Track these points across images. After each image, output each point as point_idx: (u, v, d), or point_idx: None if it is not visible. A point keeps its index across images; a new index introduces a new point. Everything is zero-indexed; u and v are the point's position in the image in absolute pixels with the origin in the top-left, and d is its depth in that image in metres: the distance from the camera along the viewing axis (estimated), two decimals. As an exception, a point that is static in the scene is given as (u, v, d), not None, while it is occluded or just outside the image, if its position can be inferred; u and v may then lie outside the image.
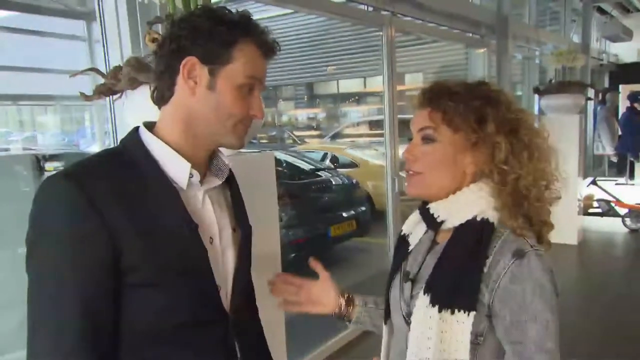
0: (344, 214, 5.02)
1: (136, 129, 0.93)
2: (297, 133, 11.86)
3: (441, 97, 0.97)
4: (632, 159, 8.12)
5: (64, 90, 3.59)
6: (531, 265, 0.88)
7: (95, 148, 4.15)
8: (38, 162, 3.30)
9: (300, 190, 4.94)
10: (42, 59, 3.36)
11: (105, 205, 0.80)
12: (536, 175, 0.94)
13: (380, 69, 3.63)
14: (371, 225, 5.28)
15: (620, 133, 8.10)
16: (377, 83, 10.88)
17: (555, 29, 7.83)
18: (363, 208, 5.29)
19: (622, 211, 5.94)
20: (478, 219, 0.94)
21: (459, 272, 0.90)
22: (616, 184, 7.93)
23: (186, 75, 0.87)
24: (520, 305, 0.87)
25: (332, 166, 6.45)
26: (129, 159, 0.88)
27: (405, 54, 8.77)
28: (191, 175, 0.89)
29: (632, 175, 8.36)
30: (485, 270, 0.89)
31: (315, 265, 1.21)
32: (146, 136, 0.91)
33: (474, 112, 0.94)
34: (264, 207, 1.65)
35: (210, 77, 0.87)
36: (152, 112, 1.17)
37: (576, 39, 7.65)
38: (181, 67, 0.86)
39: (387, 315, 1.08)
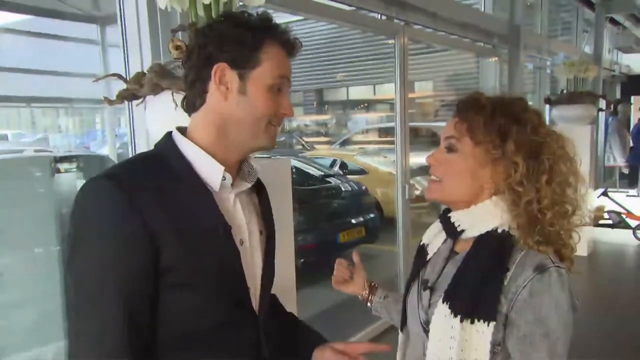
0: (353, 221, 5.04)
1: (169, 133, 0.96)
2: (306, 139, 11.89)
3: (469, 109, 1.00)
4: (643, 171, 8.06)
5: (75, 93, 3.65)
6: (551, 281, 0.90)
7: (105, 150, 4.20)
8: (52, 163, 3.35)
9: (310, 196, 4.97)
10: (54, 61, 3.41)
11: (146, 207, 0.82)
12: (554, 199, 0.94)
13: (391, 77, 3.66)
14: (380, 232, 5.29)
15: (632, 144, 8.06)
16: (386, 90, 10.92)
17: (567, 39, 7.83)
18: (372, 215, 5.30)
19: (633, 223, 5.91)
20: (499, 230, 0.96)
21: (479, 283, 0.92)
22: (627, 195, 7.88)
23: (218, 82, 0.90)
24: (536, 318, 0.89)
25: (341, 173, 6.47)
26: (164, 162, 0.91)
27: (416, 61, 8.80)
28: (224, 178, 0.92)
29: (642, 187, 8.31)
30: (506, 282, 0.91)
31: (355, 256, 1.33)
32: (180, 140, 0.93)
33: (497, 128, 0.96)
34: (280, 212, 1.67)
35: (240, 81, 0.90)
36: (173, 117, 1.20)
37: (588, 49, 7.64)
38: (212, 74, 0.89)
39: (404, 322, 1.10)
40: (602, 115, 7.97)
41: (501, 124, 0.95)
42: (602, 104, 6.22)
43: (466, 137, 0.98)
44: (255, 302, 0.97)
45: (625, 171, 8.76)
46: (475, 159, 0.97)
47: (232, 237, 0.91)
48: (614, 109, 8.29)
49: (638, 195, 8.06)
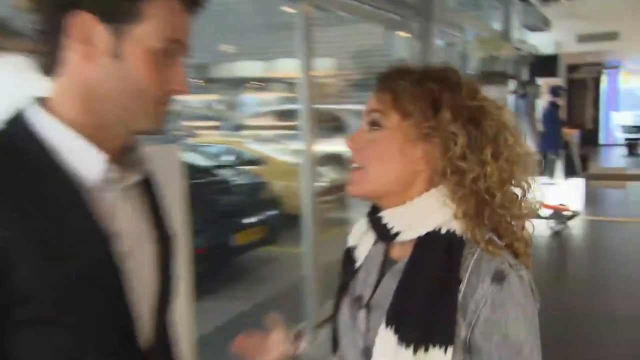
0: (250, 219, 5.00)
1: (21, 111, 0.80)
2: (187, 123, 11.54)
3: (393, 77, 0.95)
4: (553, 157, 8.86)
5: None
6: (512, 290, 0.87)
7: None
8: None
9: (195, 192, 4.80)
10: None
11: None
12: (502, 176, 0.90)
13: (288, 52, 3.62)
14: (281, 232, 5.30)
15: (541, 129, 8.84)
16: (283, 67, 10.90)
17: (477, 14, 8.36)
18: (272, 212, 5.31)
19: (546, 212, 6.34)
20: (443, 231, 0.90)
21: (429, 301, 0.86)
22: (541, 183, 8.59)
23: (79, 38, 0.76)
24: (505, 336, 0.86)
25: (233, 163, 6.39)
26: (15, 148, 0.76)
27: (316, 36, 8.86)
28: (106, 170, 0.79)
29: (552, 174, 9.14)
30: (460, 296, 0.86)
31: (273, 320, 1.14)
32: (37, 118, 0.78)
33: (427, 94, 0.91)
34: (170, 210, 1.57)
35: (113, 40, 0.76)
36: (21, 88, 1.06)
37: (497, 27, 8.23)
38: (70, 26, 0.75)
39: (336, 344, 1.04)
40: (511, 97, 8.63)
41: (432, 89, 0.91)
42: (512, 85, 6.72)
43: (391, 110, 0.93)
44: (144, 334, 0.85)
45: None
46: (404, 135, 0.92)
47: (112, 249, 0.78)
48: (523, 91, 9.02)
49: (548, 183, 8.87)
